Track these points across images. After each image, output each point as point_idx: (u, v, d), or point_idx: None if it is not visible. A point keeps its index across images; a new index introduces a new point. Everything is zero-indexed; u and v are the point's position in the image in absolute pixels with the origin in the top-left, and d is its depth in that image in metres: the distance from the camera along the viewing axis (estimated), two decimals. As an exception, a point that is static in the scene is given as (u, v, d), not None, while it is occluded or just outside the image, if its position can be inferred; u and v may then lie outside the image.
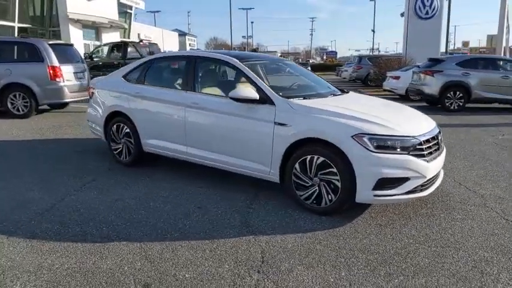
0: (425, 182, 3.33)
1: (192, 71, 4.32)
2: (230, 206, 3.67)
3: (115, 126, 4.95)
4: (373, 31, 51.36)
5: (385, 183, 3.18)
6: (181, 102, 4.23)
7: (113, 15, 25.26)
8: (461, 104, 10.44)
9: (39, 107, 8.90)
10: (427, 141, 3.39)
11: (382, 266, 2.65)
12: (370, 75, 20.93)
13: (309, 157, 3.42)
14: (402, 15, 36.85)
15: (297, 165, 3.51)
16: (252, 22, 75.14)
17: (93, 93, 5.33)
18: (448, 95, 10.46)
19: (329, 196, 3.38)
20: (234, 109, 3.83)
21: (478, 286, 2.43)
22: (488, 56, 12.18)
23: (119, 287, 2.41)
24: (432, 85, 10.67)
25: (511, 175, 4.71)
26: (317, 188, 3.44)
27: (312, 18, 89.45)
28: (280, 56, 25.78)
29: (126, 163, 4.94)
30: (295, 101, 3.68)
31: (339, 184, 3.30)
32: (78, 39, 19.56)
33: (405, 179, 3.21)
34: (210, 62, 4.64)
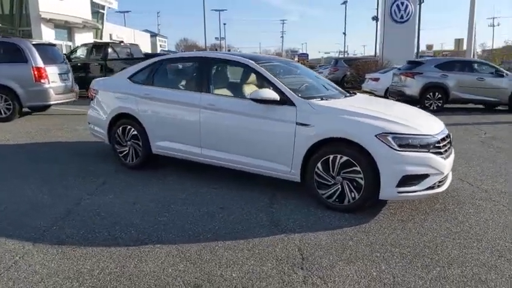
0: (442, 178, 3.50)
1: (206, 72, 4.32)
2: (252, 206, 3.71)
3: (121, 128, 4.85)
4: (344, 34, 52.81)
5: (407, 180, 3.32)
6: (196, 104, 4.21)
7: (86, 14, 24.50)
8: (440, 104, 10.93)
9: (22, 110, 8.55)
10: (443, 139, 3.56)
11: (417, 259, 2.77)
12: (346, 77, 21.39)
13: (331, 156, 3.51)
14: (374, 18, 38.00)
15: (319, 165, 3.59)
16: (224, 24, 74.82)
17: (94, 95, 5.20)
18: (428, 96, 10.93)
19: (352, 194, 3.49)
20: (252, 110, 3.87)
21: (509, 275, 2.59)
22: (465, 58, 12.86)
23: (168, 289, 2.40)
24: (413, 86, 11.11)
25: (505, 171, 5.00)
26: (340, 186, 3.53)
27: (283, 20, 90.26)
28: None
29: (132, 166, 4.86)
30: (315, 101, 3.76)
31: (362, 182, 3.41)
32: (50, 40, 18.82)
33: (425, 176, 3.37)
34: (224, 64, 4.64)
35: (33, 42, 8.47)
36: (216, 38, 60.55)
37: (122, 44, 13.93)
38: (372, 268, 2.65)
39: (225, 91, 4.29)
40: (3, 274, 2.53)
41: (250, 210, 3.61)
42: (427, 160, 3.34)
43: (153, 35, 59.48)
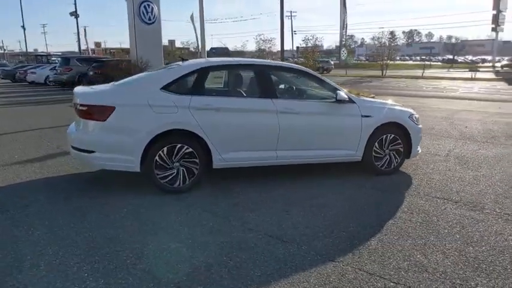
0: (419, 140, 5.71)
1: (268, 79, 4.54)
2: (348, 189, 4.59)
3: (166, 149, 4.08)
4: (24, 28, 46.01)
5: (419, 142, 5.32)
6: (271, 109, 4.39)
7: None
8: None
9: None
10: (412, 116, 5.76)
11: (464, 182, 4.84)
12: (87, 77, 20.18)
13: (384, 136, 4.97)
14: (72, 14, 36.02)
15: (376, 144, 4.95)
16: None
17: (105, 114, 3.90)
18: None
19: (396, 160, 5.10)
20: (329, 109, 4.69)
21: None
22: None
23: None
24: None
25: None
26: (388, 156, 5.06)
27: None
28: None
29: (182, 189, 4.22)
30: (364, 99, 5.04)
31: (401, 150, 5.10)
32: None
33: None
34: (282, 71, 4.82)
35: None
36: None
37: None
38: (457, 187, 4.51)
39: (287, 95, 4.68)
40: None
41: (355, 193, 4.50)
42: (421, 129, 5.46)
43: None
